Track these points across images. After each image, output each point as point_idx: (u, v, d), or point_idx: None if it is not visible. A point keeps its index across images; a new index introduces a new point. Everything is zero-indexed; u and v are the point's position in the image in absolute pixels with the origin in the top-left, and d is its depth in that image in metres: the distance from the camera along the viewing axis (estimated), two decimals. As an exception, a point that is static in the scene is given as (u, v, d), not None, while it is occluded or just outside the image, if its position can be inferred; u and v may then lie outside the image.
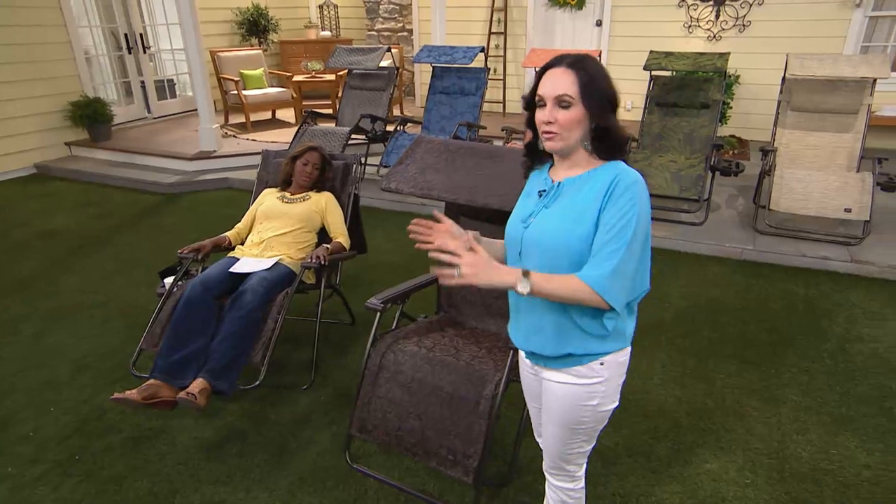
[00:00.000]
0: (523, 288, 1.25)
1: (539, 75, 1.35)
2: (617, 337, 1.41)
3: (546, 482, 1.69)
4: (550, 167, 1.46)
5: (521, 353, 1.61)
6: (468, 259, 1.25)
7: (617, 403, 1.51)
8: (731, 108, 6.26)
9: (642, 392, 2.63)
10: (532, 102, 1.36)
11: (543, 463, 1.67)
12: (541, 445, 1.74)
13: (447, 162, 2.18)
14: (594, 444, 1.57)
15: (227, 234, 2.95)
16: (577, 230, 1.31)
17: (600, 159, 1.37)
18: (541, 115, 1.33)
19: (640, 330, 3.16)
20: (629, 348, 1.46)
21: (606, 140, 1.33)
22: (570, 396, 1.45)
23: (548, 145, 1.35)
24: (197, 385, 2.22)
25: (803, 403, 2.54)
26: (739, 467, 2.20)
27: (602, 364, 1.42)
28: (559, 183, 1.39)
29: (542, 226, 1.37)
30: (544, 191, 1.42)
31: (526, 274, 1.26)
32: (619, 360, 1.45)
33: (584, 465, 1.63)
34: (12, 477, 2.19)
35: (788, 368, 2.79)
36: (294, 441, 2.36)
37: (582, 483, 1.65)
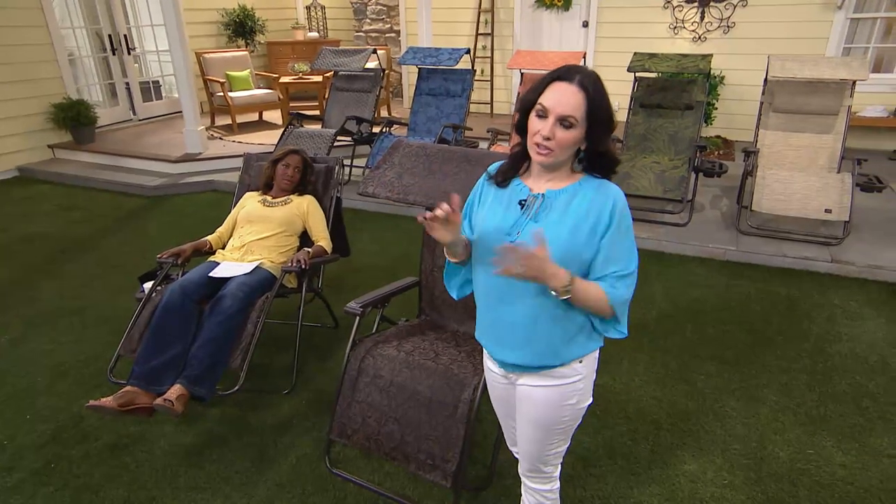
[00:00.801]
0: (565, 293, 1.28)
1: (546, 82, 1.29)
2: (598, 329, 1.43)
3: (522, 485, 1.70)
4: (522, 174, 1.43)
5: (489, 365, 1.59)
6: (538, 251, 1.24)
7: (591, 400, 1.52)
8: (716, 108, 6.30)
9: (624, 393, 2.64)
10: (529, 108, 1.31)
11: (519, 467, 1.67)
12: (515, 453, 1.74)
13: (425, 166, 2.18)
14: (569, 443, 1.58)
15: (209, 238, 2.93)
16: (572, 243, 1.31)
17: (583, 172, 1.37)
18: (539, 127, 1.28)
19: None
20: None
21: (600, 161, 1.34)
22: (550, 399, 1.46)
23: (537, 158, 1.31)
24: (174, 391, 2.20)
25: (782, 403, 2.56)
26: (718, 468, 2.21)
27: (581, 362, 1.44)
28: (543, 195, 1.36)
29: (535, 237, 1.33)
30: (525, 201, 1.37)
31: (572, 281, 1.28)
32: (595, 356, 1.48)
33: (560, 466, 1.64)
34: (-14, 486, 2.16)
35: (768, 369, 2.81)
36: (274, 446, 2.35)
37: (557, 483, 1.66)
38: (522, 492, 1.71)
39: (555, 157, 1.30)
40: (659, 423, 2.46)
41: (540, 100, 1.28)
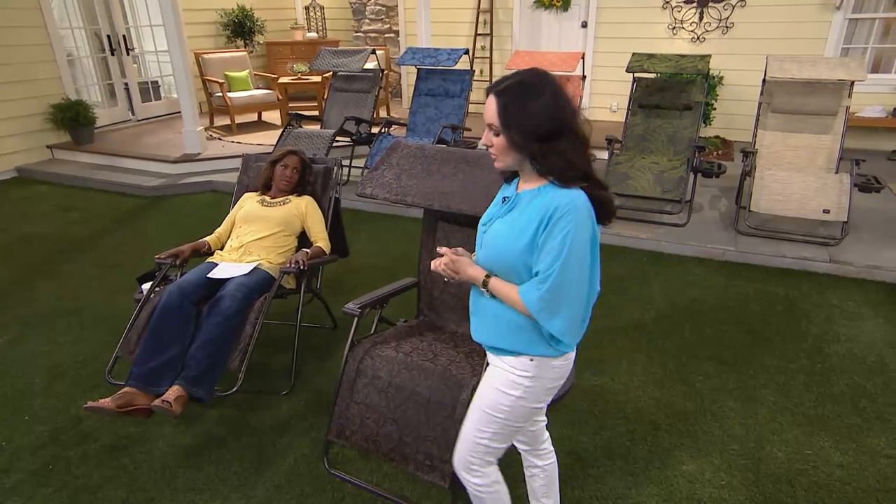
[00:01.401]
0: (483, 287, 1.48)
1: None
2: (551, 344, 1.44)
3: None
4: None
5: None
6: (454, 255, 1.51)
7: (541, 406, 1.54)
8: (714, 108, 6.31)
9: (622, 394, 2.65)
10: None
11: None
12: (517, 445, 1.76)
13: (423, 167, 2.18)
14: (503, 448, 1.58)
15: (207, 238, 2.93)
16: (517, 244, 1.39)
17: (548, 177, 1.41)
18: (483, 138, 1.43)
19: (622, 331, 3.19)
20: (565, 358, 1.49)
21: (545, 166, 1.36)
22: (496, 378, 1.52)
23: (495, 164, 1.45)
24: (173, 392, 2.20)
25: (780, 404, 2.56)
26: (716, 468, 2.21)
27: (532, 360, 1.47)
28: (518, 194, 1.46)
29: (494, 232, 1.47)
30: (507, 198, 1.49)
31: (487, 278, 1.47)
32: (553, 364, 1.48)
33: (490, 466, 1.60)
34: (-16, 487, 2.16)
35: (766, 369, 2.81)
36: (273, 447, 2.35)
37: (488, 480, 1.61)
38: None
39: (501, 162, 1.42)
40: (657, 424, 2.46)
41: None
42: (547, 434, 1.83)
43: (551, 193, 1.37)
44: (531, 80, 1.34)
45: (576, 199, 1.34)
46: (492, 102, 1.35)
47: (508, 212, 1.46)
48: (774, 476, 2.17)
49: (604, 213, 1.41)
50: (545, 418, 1.79)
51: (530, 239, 1.36)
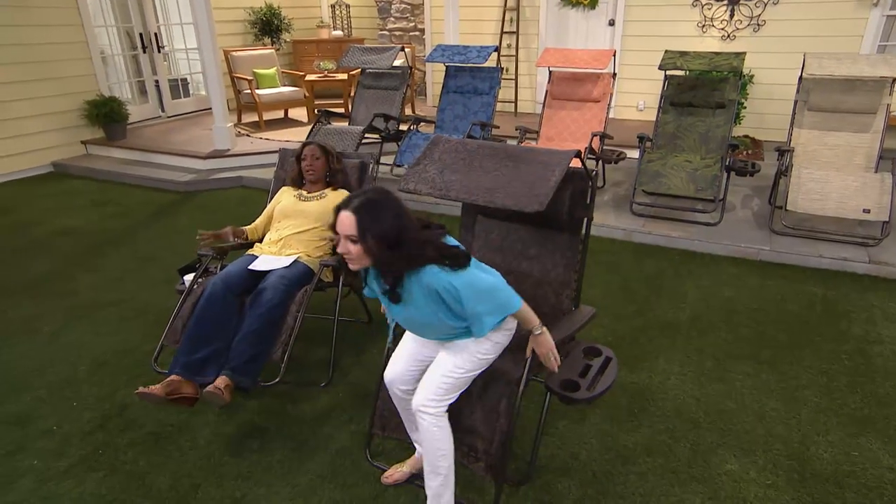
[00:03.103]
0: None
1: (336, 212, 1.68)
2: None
3: (420, 424, 1.84)
4: None
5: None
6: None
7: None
8: (744, 108, 6.21)
9: (660, 392, 2.63)
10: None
11: (416, 403, 1.84)
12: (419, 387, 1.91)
13: (465, 162, 2.18)
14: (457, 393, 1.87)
15: (246, 227, 2.98)
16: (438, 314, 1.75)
17: None
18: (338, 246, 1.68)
19: (657, 329, 3.17)
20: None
21: (396, 263, 1.66)
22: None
23: (351, 266, 1.70)
24: (221, 381, 2.24)
25: (823, 405, 2.52)
26: (760, 468, 2.19)
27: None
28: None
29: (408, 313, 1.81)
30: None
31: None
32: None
33: (444, 406, 1.86)
34: (37, 470, 2.22)
35: (807, 370, 2.77)
36: (314, 438, 2.37)
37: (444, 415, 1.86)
38: (420, 421, 1.86)
39: (358, 263, 1.68)
40: (697, 422, 2.44)
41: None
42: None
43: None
44: (379, 198, 1.64)
45: (441, 280, 1.65)
46: (348, 217, 1.61)
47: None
48: (821, 477, 2.14)
49: (461, 261, 1.68)
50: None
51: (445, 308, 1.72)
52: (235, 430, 2.41)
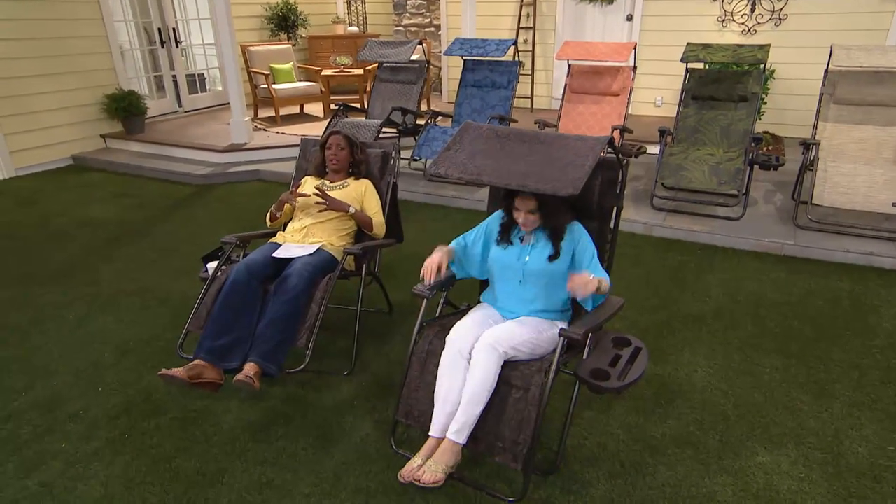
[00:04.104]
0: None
1: (511, 195, 2.16)
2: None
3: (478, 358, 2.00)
4: None
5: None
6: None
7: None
8: (765, 103, 6.13)
9: (687, 384, 2.59)
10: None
11: (483, 341, 2.04)
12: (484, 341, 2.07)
13: (497, 148, 2.16)
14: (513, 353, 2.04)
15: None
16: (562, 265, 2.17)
17: None
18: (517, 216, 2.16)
19: (681, 322, 3.13)
20: None
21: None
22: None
23: (526, 228, 2.17)
24: (251, 368, 2.24)
25: (856, 399, 2.47)
26: (793, 461, 2.15)
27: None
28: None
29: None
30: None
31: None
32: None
33: (502, 352, 2.03)
34: (66, 453, 2.23)
35: (837, 364, 2.72)
36: (338, 426, 2.36)
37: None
38: (479, 361, 2.02)
39: (531, 225, 2.16)
40: (726, 414, 2.40)
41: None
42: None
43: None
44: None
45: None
46: (530, 198, 2.12)
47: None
48: (857, 471, 2.09)
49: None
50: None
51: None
52: (260, 417, 2.41)
